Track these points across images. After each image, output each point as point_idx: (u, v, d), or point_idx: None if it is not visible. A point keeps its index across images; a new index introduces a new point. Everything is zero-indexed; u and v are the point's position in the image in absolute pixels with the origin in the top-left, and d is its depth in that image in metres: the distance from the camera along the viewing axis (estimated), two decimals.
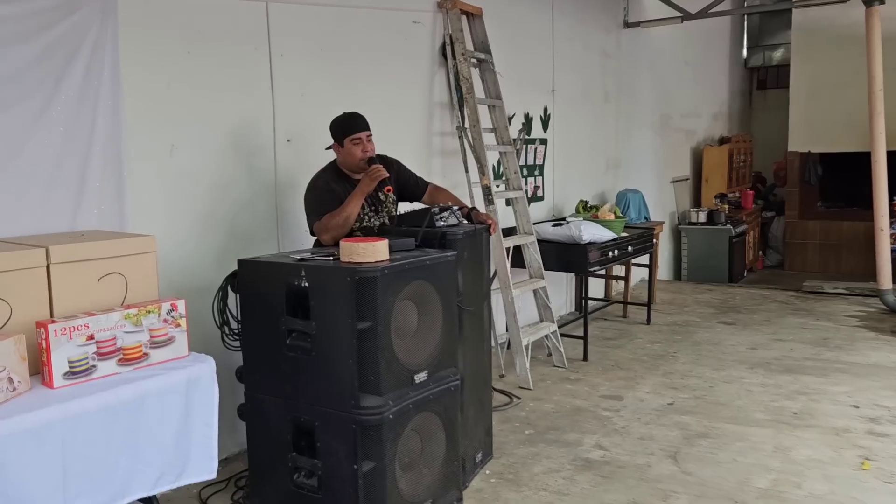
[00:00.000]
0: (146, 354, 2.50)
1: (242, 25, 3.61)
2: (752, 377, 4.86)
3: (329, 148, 3.57)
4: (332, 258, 2.83)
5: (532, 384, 4.72)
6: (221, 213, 3.56)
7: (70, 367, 2.31)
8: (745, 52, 12.05)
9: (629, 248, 5.81)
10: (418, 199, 3.72)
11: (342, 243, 2.77)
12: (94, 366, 2.36)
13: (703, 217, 9.03)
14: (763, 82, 12.60)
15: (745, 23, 11.93)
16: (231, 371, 3.15)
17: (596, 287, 7.22)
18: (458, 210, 3.37)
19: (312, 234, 3.44)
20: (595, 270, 5.52)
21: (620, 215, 6.03)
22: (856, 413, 4.17)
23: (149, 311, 2.50)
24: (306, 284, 2.74)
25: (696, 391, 4.60)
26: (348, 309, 2.64)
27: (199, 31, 3.40)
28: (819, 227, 10.45)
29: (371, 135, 3.48)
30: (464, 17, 4.97)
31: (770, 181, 11.94)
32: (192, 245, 3.43)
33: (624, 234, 5.83)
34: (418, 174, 3.77)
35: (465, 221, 3.44)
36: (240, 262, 2.95)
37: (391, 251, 2.85)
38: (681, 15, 7.39)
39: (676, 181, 9.35)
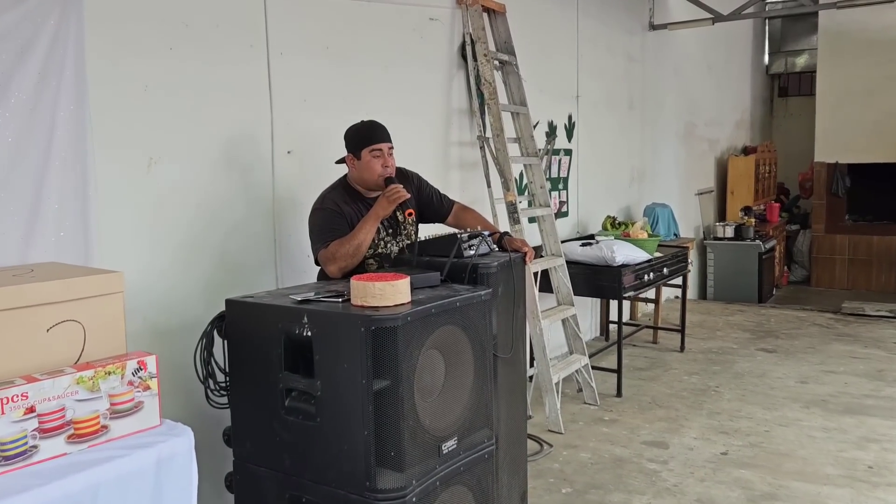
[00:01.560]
0: (104, 428, 1.96)
1: (236, 18, 3.09)
2: (810, 419, 4.31)
3: (340, 161, 3.04)
4: (341, 299, 2.30)
5: (563, 427, 4.17)
6: (209, 238, 3.02)
7: (1, 451, 1.77)
8: (766, 57, 11.53)
9: (664, 269, 5.28)
10: (441, 221, 3.18)
11: (354, 282, 2.23)
12: (34, 446, 1.83)
13: (730, 232, 8.49)
14: (784, 89, 12.09)
15: (767, 27, 11.43)
16: (217, 429, 2.61)
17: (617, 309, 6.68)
18: (489, 236, 2.83)
19: (317, 263, 2.91)
20: (629, 296, 4.97)
21: (653, 233, 5.49)
22: None
23: (109, 373, 1.97)
24: (309, 333, 2.20)
25: (749, 437, 4.05)
26: (362, 365, 2.10)
27: (184, 23, 2.88)
28: (847, 242, 9.93)
29: (393, 148, 2.96)
30: (485, 15, 4.45)
31: (793, 193, 11.41)
32: (174, 276, 2.90)
33: (657, 255, 5.30)
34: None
35: (497, 249, 2.91)
36: (228, 302, 2.42)
37: (412, 288, 2.31)
38: (712, 16, 6.87)
39: (701, 193, 8.81)
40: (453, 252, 2.62)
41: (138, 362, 2.03)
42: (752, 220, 8.81)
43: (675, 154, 8.01)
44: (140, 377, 2.03)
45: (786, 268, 10.38)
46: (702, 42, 8.41)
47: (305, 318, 2.20)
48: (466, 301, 2.38)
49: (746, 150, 10.05)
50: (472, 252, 2.70)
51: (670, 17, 7.32)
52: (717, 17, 6.87)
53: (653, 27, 7.04)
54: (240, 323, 2.40)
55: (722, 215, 9.45)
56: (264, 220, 3.27)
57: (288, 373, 2.27)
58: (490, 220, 3.82)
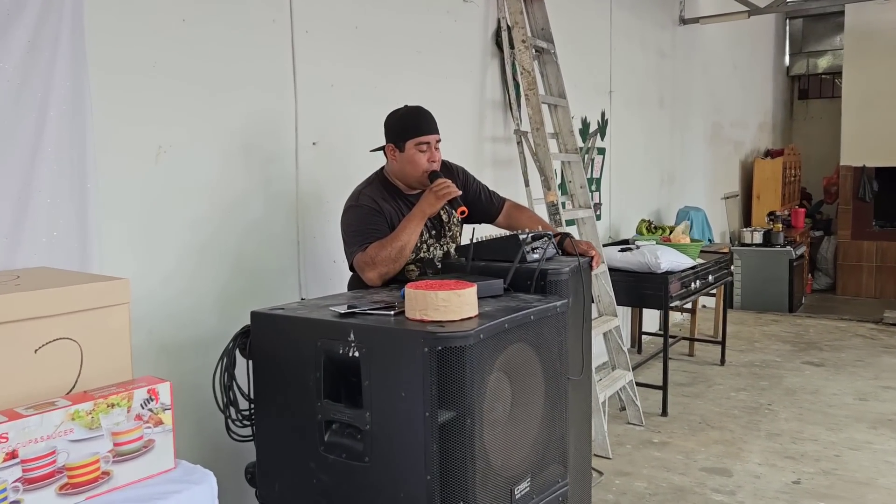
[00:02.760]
0: (106, 474, 1.56)
1: None
2: (880, 441, 3.91)
3: (377, 150, 2.65)
4: (392, 311, 1.90)
5: (610, 451, 3.77)
6: (224, 240, 2.63)
7: None
8: (787, 58, 11.18)
9: (709, 277, 4.89)
10: (490, 221, 2.79)
11: (410, 291, 1.83)
12: (16, 502, 1.42)
13: (758, 238, 8.09)
14: (805, 92, 11.71)
15: (788, 27, 11.07)
16: (236, 464, 2.22)
17: (651, 319, 6.30)
18: (553, 238, 2.44)
19: (352, 268, 2.51)
20: (675, 305, 4.57)
21: (696, 238, 5.11)
22: None
23: (112, 405, 1.56)
24: (356, 354, 1.80)
25: (820, 462, 3.65)
26: (425, 393, 1.70)
27: None
28: (875, 249, 9.54)
29: (440, 140, 2.57)
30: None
31: (816, 198, 11.03)
32: (184, 283, 2.50)
33: (700, 261, 4.91)
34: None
35: (560, 252, 2.51)
36: (254, 316, 2.02)
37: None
38: (747, 9, 6.49)
39: (727, 197, 8.43)
40: (518, 256, 2.22)
41: (148, 391, 1.63)
42: (780, 225, 8.42)
43: (703, 156, 7.64)
44: (151, 409, 1.63)
45: (809, 275, 9.99)
46: (728, 40, 8.05)
47: (352, 335, 1.81)
48: (541, 314, 1.98)
49: (770, 154, 9.67)
50: (538, 256, 2.31)
51: (699, 11, 6.95)
52: (754, 10, 6.50)
53: (683, 21, 6.68)
54: (268, 340, 2.00)
55: (747, 220, 9.07)
56: (286, 220, 2.88)
57: (329, 401, 1.87)
58: None
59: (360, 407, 1.81)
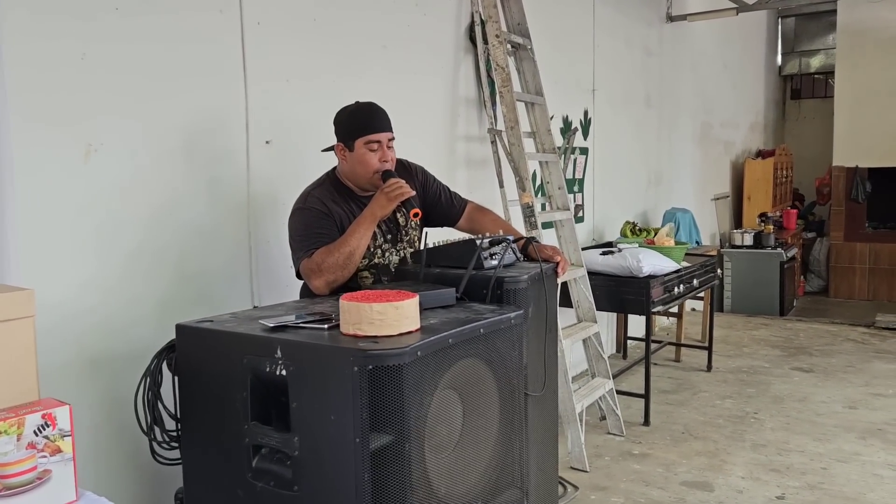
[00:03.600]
0: None
1: None
2: (870, 453, 3.75)
3: (328, 150, 2.49)
4: (327, 325, 1.73)
5: (588, 464, 3.60)
6: (165, 245, 2.46)
7: None
8: (779, 58, 11.03)
9: (694, 281, 4.73)
10: (452, 224, 2.63)
11: (344, 303, 1.67)
12: None
13: (749, 239, 7.94)
14: (797, 92, 11.57)
15: (780, 26, 10.93)
16: (172, 489, 2.05)
17: (637, 323, 6.14)
18: (514, 243, 2.27)
19: (299, 276, 2.35)
20: (658, 311, 4.41)
21: (681, 241, 4.95)
22: None
23: (0, 433, 1.40)
24: (284, 372, 1.63)
25: (806, 475, 3.49)
26: (355, 417, 1.54)
27: None
28: (868, 250, 9.40)
29: (394, 138, 2.41)
30: None
31: (808, 199, 10.89)
32: (121, 293, 2.33)
33: (685, 264, 4.75)
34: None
35: (522, 258, 2.35)
36: (179, 329, 1.85)
37: (422, 308, 1.76)
38: (736, 6, 6.34)
39: (717, 199, 8.28)
40: (472, 262, 2.05)
41: (44, 416, 1.46)
42: (771, 227, 8.27)
43: (692, 156, 7.48)
44: (47, 436, 1.46)
45: (802, 277, 9.85)
46: (718, 38, 7.90)
47: (279, 352, 1.64)
48: (492, 326, 1.82)
49: (761, 154, 9.52)
50: (496, 262, 2.14)
51: (687, 8, 6.79)
52: (742, 7, 6.34)
53: (670, 18, 6.52)
54: (194, 355, 1.83)
55: (738, 222, 8.92)
56: (237, 224, 2.71)
57: (256, 424, 1.71)
58: None
59: (288, 431, 1.65)
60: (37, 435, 1.45)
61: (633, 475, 3.55)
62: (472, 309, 1.92)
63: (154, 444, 1.90)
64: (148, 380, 1.87)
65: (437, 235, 2.39)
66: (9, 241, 1.99)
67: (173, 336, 2.08)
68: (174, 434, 1.93)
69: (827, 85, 11.31)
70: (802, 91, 11.59)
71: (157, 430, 1.90)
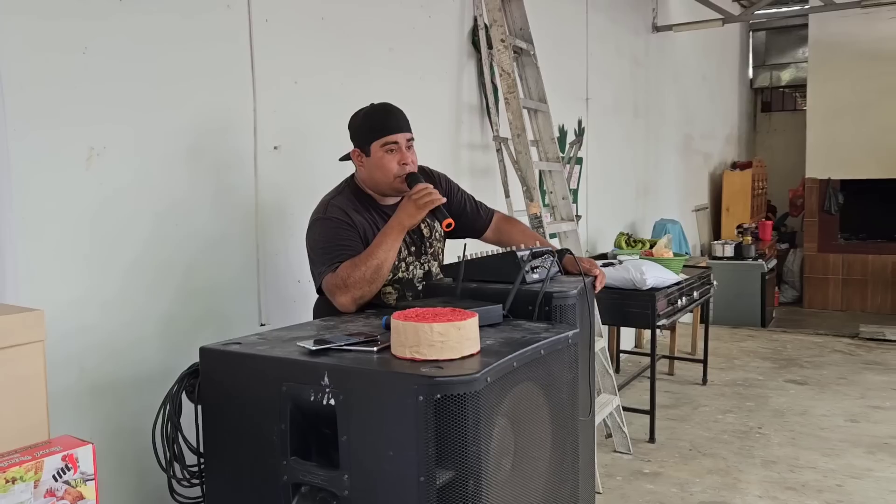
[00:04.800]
0: None
1: None
2: (881, 468, 3.68)
3: (345, 158, 2.32)
4: (375, 346, 1.56)
5: (600, 485, 3.46)
6: (170, 258, 2.25)
7: None
8: (750, 71, 11.16)
9: (694, 293, 4.64)
10: (478, 236, 2.47)
11: (398, 322, 1.50)
12: None
13: (729, 251, 7.94)
14: (768, 104, 11.72)
15: (751, 40, 11.06)
16: None
17: (627, 336, 6.06)
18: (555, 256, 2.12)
19: (320, 291, 2.17)
20: (663, 324, 4.31)
21: (679, 252, 4.87)
22: None
23: (13, 480, 1.19)
24: (332, 401, 1.46)
25: (823, 493, 3.40)
26: (420, 452, 1.37)
27: None
28: (841, 261, 9.51)
29: (413, 140, 2.25)
30: None
31: (781, 210, 11.01)
32: (124, 310, 2.12)
33: (684, 276, 4.66)
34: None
35: (561, 272, 2.21)
36: (203, 351, 1.66)
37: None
38: (722, 17, 6.33)
39: (698, 210, 8.28)
40: (520, 276, 1.90)
41: (64, 457, 1.26)
42: (750, 238, 8.30)
43: (675, 168, 7.46)
44: (68, 481, 1.27)
45: (776, 288, 9.92)
46: (697, 50, 7.92)
47: (326, 378, 1.46)
48: (551, 347, 1.66)
49: (737, 166, 9.58)
50: (538, 276, 1.99)
51: (671, 19, 6.78)
52: (728, 18, 6.34)
53: (656, 28, 6.49)
54: (221, 382, 1.64)
55: (716, 233, 8.93)
56: (244, 235, 2.51)
57: (297, 459, 1.52)
58: None
59: (336, 467, 1.47)
60: (56, 480, 1.25)
61: (648, 496, 3.42)
62: (522, 328, 1.77)
63: (173, 481, 1.69)
64: (168, 408, 1.67)
65: (454, 247, 2.24)
66: (6, 255, 1.78)
67: (180, 357, 1.90)
68: (195, 470, 1.73)
69: (796, 98, 11.49)
70: (773, 104, 11.74)
71: (176, 466, 1.70)
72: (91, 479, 1.30)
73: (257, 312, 2.56)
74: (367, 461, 1.43)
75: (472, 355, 1.49)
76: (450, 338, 1.45)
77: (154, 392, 1.99)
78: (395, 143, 2.20)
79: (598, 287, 2.25)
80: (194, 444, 1.71)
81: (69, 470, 1.27)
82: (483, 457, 1.43)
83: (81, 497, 1.28)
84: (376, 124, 2.22)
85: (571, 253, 2.28)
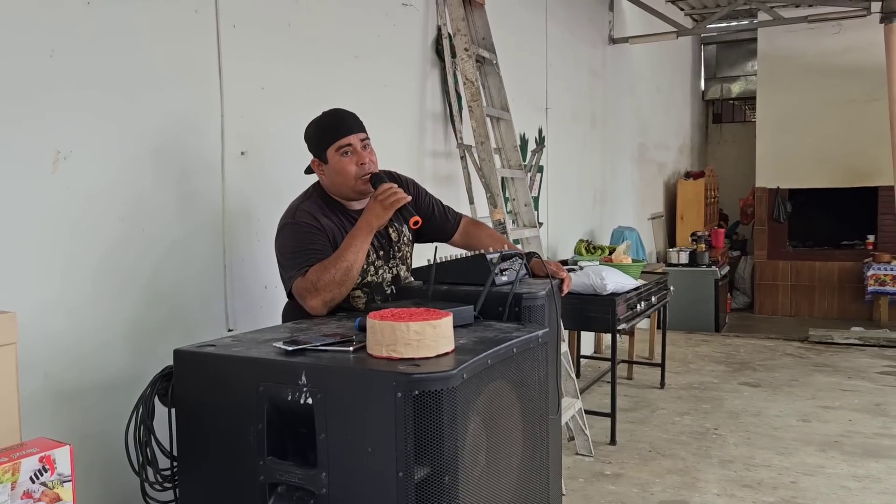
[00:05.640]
0: None
1: None
2: (833, 465, 3.82)
3: (309, 170, 2.33)
4: (351, 346, 1.58)
5: (564, 486, 3.51)
6: (137, 263, 2.24)
7: None
8: (702, 83, 11.47)
9: (652, 298, 4.75)
10: (446, 240, 2.51)
11: (375, 322, 1.52)
12: None
13: (684, 258, 8.13)
14: (719, 116, 12.06)
15: (703, 53, 11.38)
16: None
17: (586, 341, 6.15)
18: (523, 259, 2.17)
19: (290, 296, 2.17)
20: (622, 328, 4.40)
21: (637, 259, 4.98)
22: None
23: None
24: (310, 400, 1.47)
25: (778, 490, 3.51)
26: (398, 449, 1.39)
27: None
28: (790, 268, 9.81)
29: (368, 139, 2.27)
30: (462, 6, 3.83)
31: (732, 219, 11.31)
32: (89, 315, 2.09)
33: (642, 282, 4.77)
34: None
35: (528, 274, 2.25)
36: (177, 354, 1.65)
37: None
38: (676, 30, 6.52)
39: (653, 218, 8.46)
40: (490, 278, 1.94)
41: (41, 459, 1.25)
42: (703, 245, 8.51)
43: (631, 176, 7.62)
44: (45, 483, 1.26)
45: (728, 294, 10.18)
46: (652, 62, 8.12)
47: (303, 378, 1.48)
48: (523, 346, 1.71)
49: (691, 175, 9.83)
50: (506, 278, 2.03)
51: (626, 31, 6.95)
52: (681, 31, 6.53)
53: (612, 41, 6.64)
54: (196, 384, 1.64)
55: (671, 241, 9.14)
56: (211, 240, 2.51)
57: (274, 459, 1.53)
58: None
59: (313, 466, 1.48)
60: (33, 482, 1.24)
61: (610, 496, 3.48)
62: (494, 328, 1.81)
63: (146, 485, 1.68)
64: (140, 411, 1.66)
65: (422, 250, 2.27)
66: None
67: (146, 362, 1.90)
68: (168, 474, 1.72)
69: (745, 110, 11.85)
70: (723, 116, 12.08)
71: (149, 470, 1.69)
72: (68, 481, 1.29)
73: (224, 317, 2.55)
74: (345, 459, 1.44)
75: (447, 353, 1.52)
76: (426, 336, 1.48)
77: (120, 397, 1.99)
78: (349, 144, 2.22)
79: (565, 290, 2.30)
80: (167, 448, 1.70)
81: (46, 471, 1.26)
82: (459, 452, 1.46)
83: (59, 498, 1.27)
84: (328, 130, 2.24)
85: (539, 256, 2.33)
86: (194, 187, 2.44)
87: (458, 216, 2.52)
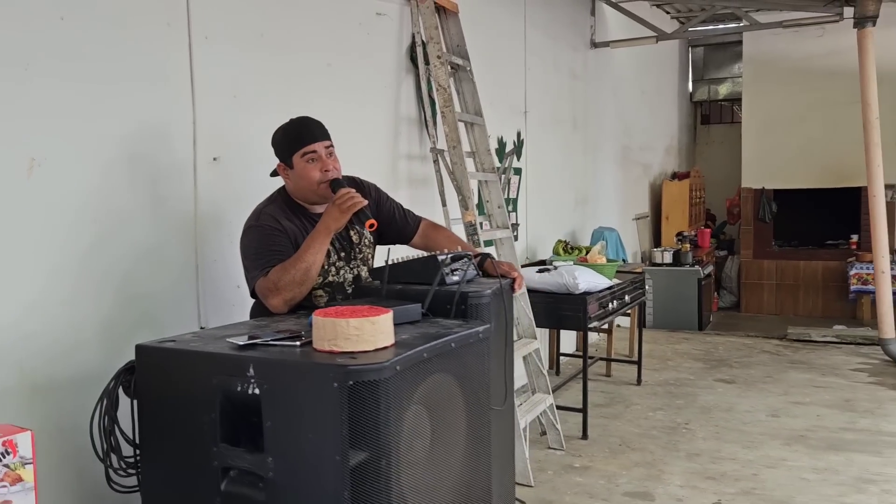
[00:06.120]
0: None
1: None
2: (795, 458, 3.94)
3: (275, 173, 2.46)
4: (299, 342, 1.71)
5: (532, 478, 3.64)
6: (110, 265, 2.36)
7: None
8: (690, 85, 11.59)
9: (626, 297, 4.88)
10: (406, 242, 2.63)
11: (319, 319, 1.65)
12: None
13: (668, 257, 8.25)
14: (707, 117, 12.18)
15: (690, 55, 11.50)
16: None
17: (568, 340, 6.27)
18: (474, 259, 2.30)
19: (254, 295, 2.30)
20: (594, 326, 4.52)
21: (612, 259, 5.10)
22: None
23: None
24: (257, 391, 1.60)
25: (739, 482, 3.64)
26: (335, 434, 1.51)
27: None
28: (775, 267, 9.94)
29: (332, 146, 2.40)
30: (436, 14, 3.95)
31: (719, 219, 11.43)
32: (63, 314, 2.22)
33: (616, 281, 4.90)
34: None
35: (480, 274, 2.38)
36: (140, 349, 1.78)
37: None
38: (655, 35, 6.64)
39: (638, 218, 8.58)
40: (437, 278, 2.07)
41: (4, 443, 1.38)
42: (688, 245, 8.63)
43: (614, 177, 7.74)
44: (7, 465, 1.38)
45: (715, 294, 10.30)
46: (636, 65, 8.23)
47: (251, 370, 1.60)
48: (462, 341, 1.83)
49: (677, 176, 9.95)
50: (457, 278, 2.16)
51: (609, 36, 7.07)
52: (661, 36, 6.65)
53: (594, 45, 6.76)
54: (156, 377, 1.77)
55: (657, 241, 9.26)
56: (183, 243, 2.63)
57: (226, 445, 1.66)
58: None
59: (261, 451, 1.61)
60: None
61: (576, 488, 3.61)
62: (439, 324, 1.93)
63: (110, 470, 1.81)
64: (105, 402, 1.78)
65: (392, 253, 2.39)
66: None
67: (118, 360, 2.01)
68: (132, 460, 1.84)
69: (733, 111, 11.97)
70: (711, 117, 12.20)
71: (113, 457, 1.81)
72: (29, 463, 1.41)
73: (196, 317, 2.67)
74: (288, 444, 1.57)
75: (385, 347, 1.65)
76: (364, 331, 1.61)
77: (92, 392, 2.09)
78: (315, 151, 2.35)
79: (518, 289, 2.42)
80: (131, 436, 1.83)
81: (9, 454, 1.38)
82: (394, 438, 1.58)
83: (20, 479, 1.40)
84: (295, 137, 2.37)
85: (492, 257, 2.46)
86: (167, 192, 2.56)
87: (418, 219, 2.64)
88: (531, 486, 3.60)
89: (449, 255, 2.19)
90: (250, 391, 1.60)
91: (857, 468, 3.79)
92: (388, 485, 1.57)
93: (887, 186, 8.94)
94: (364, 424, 1.53)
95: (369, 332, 1.61)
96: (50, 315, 2.17)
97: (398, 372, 1.57)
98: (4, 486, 1.37)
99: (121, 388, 1.81)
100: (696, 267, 8.20)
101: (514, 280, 2.39)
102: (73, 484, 2.16)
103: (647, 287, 8.18)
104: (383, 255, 2.47)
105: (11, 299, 2.06)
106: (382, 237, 2.57)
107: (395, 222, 2.58)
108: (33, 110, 2.12)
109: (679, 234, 8.99)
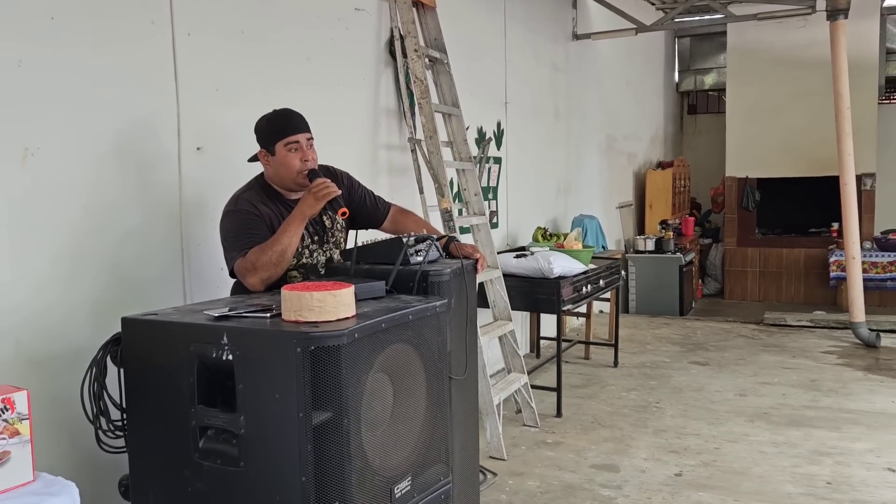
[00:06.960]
0: None
1: None
2: (757, 433, 4.14)
3: (253, 159, 2.63)
4: (269, 314, 1.89)
5: (505, 452, 3.84)
6: (99, 247, 2.53)
7: None
8: (676, 75, 11.75)
9: (601, 281, 5.06)
10: (377, 226, 2.81)
11: (286, 293, 1.83)
12: None
13: (651, 245, 8.45)
14: (693, 107, 12.35)
15: (677, 45, 11.66)
16: (113, 479, 2.14)
17: (549, 324, 6.46)
18: (437, 241, 2.48)
19: (233, 275, 2.47)
20: (567, 309, 4.71)
21: (589, 245, 5.28)
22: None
23: None
24: (230, 357, 1.78)
25: (701, 455, 3.84)
26: (298, 395, 1.70)
27: None
28: (758, 255, 10.14)
29: (312, 139, 2.57)
30: (414, 10, 4.12)
31: (705, 207, 11.62)
32: (55, 292, 2.39)
33: (592, 266, 5.08)
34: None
35: (445, 255, 2.56)
36: (125, 321, 1.96)
37: (356, 300, 1.93)
38: (635, 27, 6.81)
39: (622, 207, 8.76)
40: (400, 258, 2.25)
41: (3, 400, 1.56)
42: (671, 233, 8.82)
43: (598, 167, 7.92)
44: (6, 420, 1.56)
45: (700, 281, 10.50)
46: (621, 56, 8.39)
47: (225, 338, 1.78)
48: (419, 314, 2.01)
49: (661, 165, 10.13)
50: (421, 258, 2.34)
51: (592, 27, 7.23)
52: (640, 28, 6.82)
53: (576, 37, 6.92)
54: (140, 346, 1.94)
55: (641, 229, 9.45)
56: (169, 227, 2.81)
57: (203, 407, 1.84)
58: None
59: (234, 411, 1.79)
60: None
61: (547, 461, 3.80)
62: (400, 300, 2.11)
63: (100, 432, 1.99)
64: (94, 370, 1.96)
65: (364, 236, 2.57)
66: None
67: (110, 335, 2.18)
68: (119, 423, 2.02)
69: (720, 101, 12.13)
70: (698, 106, 12.37)
71: (102, 420, 1.99)
72: (25, 419, 1.59)
73: (182, 298, 2.84)
74: (258, 404, 1.75)
75: (347, 318, 1.82)
76: (326, 304, 1.79)
77: (83, 365, 2.27)
78: (297, 142, 2.52)
79: (481, 269, 2.60)
80: (118, 401, 2.01)
81: (7, 410, 1.56)
82: (353, 399, 1.76)
83: (18, 433, 1.58)
84: (279, 127, 2.54)
85: (457, 240, 2.64)
86: (153, 179, 2.73)
87: (388, 205, 2.82)
88: (504, 460, 3.80)
89: (413, 237, 2.36)
90: (224, 357, 1.78)
91: (815, 442, 3.99)
92: (348, 441, 1.75)
93: (866, 175, 9.19)
94: (325, 386, 1.71)
95: (331, 304, 1.79)
96: (42, 292, 2.34)
97: (356, 339, 1.75)
98: (3, 439, 1.55)
99: (108, 357, 1.99)
100: (678, 254, 8.40)
101: (476, 261, 2.57)
102: (67, 449, 2.34)
103: (630, 274, 8.44)
104: (354, 239, 2.65)
105: (4, 278, 2.23)
106: (354, 222, 2.74)
107: (365, 208, 2.75)
108: (26, 103, 2.28)
109: (662, 222, 9.19)
